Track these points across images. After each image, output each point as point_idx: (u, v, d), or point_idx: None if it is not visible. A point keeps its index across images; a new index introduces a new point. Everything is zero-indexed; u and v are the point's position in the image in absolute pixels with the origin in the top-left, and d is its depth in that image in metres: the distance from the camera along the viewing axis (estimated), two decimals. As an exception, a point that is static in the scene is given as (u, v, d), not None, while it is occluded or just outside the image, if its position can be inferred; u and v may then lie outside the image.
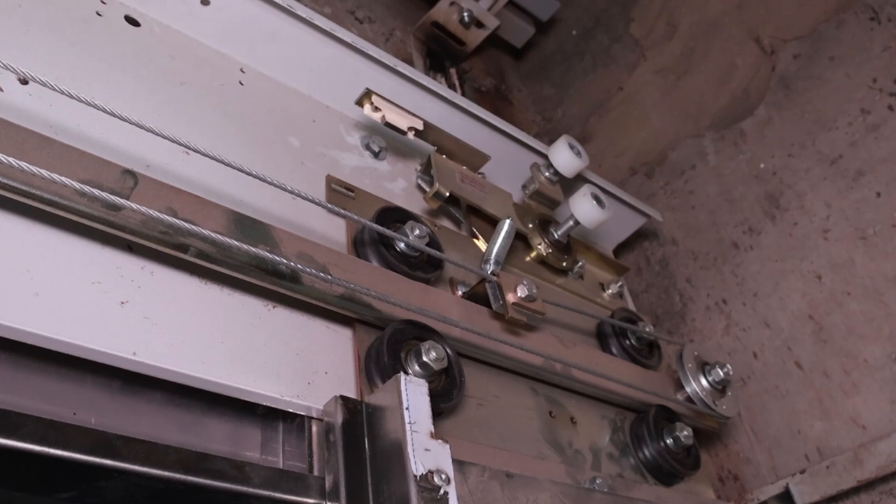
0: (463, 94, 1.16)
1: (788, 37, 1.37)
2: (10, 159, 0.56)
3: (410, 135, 1.02)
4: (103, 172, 0.64)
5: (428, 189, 1.03)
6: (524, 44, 1.84)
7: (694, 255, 1.39)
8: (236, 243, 0.67)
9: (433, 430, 0.64)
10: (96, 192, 0.60)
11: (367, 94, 0.98)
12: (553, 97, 1.86)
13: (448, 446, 0.64)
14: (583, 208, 1.09)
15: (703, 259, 1.38)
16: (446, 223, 1.08)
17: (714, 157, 1.42)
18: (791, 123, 1.31)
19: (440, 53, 1.59)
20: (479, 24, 1.57)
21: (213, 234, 0.66)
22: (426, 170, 1.07)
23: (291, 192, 0.72)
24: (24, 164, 0.56)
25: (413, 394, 0.65)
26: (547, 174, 1.18)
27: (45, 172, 0.57)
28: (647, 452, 1.01)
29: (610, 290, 1.25)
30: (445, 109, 1.12)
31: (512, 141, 1.18)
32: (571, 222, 1.12)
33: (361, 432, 0.66)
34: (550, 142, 1.17)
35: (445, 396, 0.77)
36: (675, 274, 1.42)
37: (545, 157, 1.18)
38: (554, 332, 1.05)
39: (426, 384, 0.67)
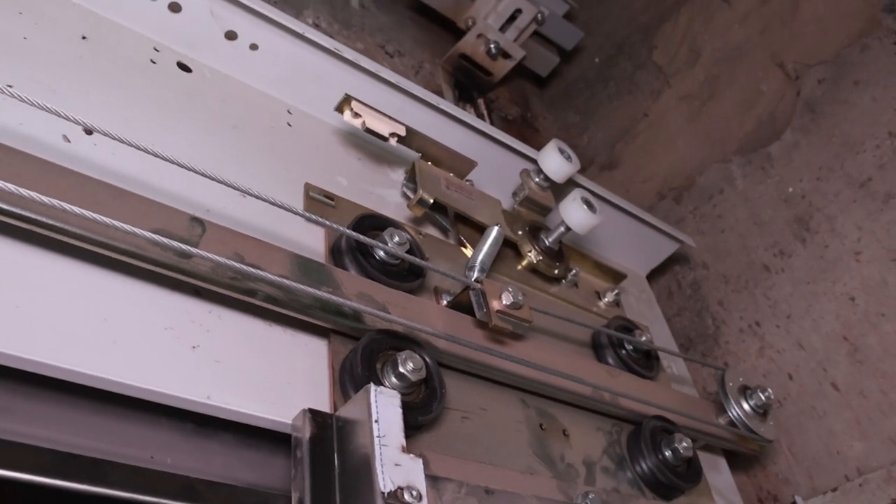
0: (491, 123, 1.19)
1: (812, 62, 1.39)
2: (88, 212, 0.58)
3: (393, 141, 0.99)
4: (173, 221, 0.67)
5: (412, 196, 1.00)
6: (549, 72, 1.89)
7: (725, 279, 1.41)
8: (302, 286, 0.70)
9: (405, 444, 0.61)
10: (168, 241, 0.62)
11: (347, 99, 0.96)
12: (578, 124, 1.89)
13: (421, 461, 0.60)
14: (573, 214, 1.06)
15: (734, 282, 1.39)
16: (434, 232, 1.05)
17: (742, 181, 1.44)
18: (818, 147, 1.33)
19: (468, 84, 1.63)
20: (506, 55, 1.59)
21: (279, 279, 0.68)
22: (411, 177, 1.04)
23: (267, 201, 0.70)
24: (100, 217, 0.58)
25: (383, 406, 0.62)
26: (537, 180, 1.15)
27: (119, 224, 0.59)
28: (644, 465, 0.97)
29: (606, 299, 1.21)
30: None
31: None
32: (562, 228, 1.09)
33: (331, 447, 0.63)
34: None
35: (424, 409, 0.74)
36: (707, 297, 1.43)
37: (535, 162, 1.15)
38: (546, 341, 1.01)
39: (398, 395, 0.63)
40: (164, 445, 0.64)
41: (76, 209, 0.57)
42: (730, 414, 1.07)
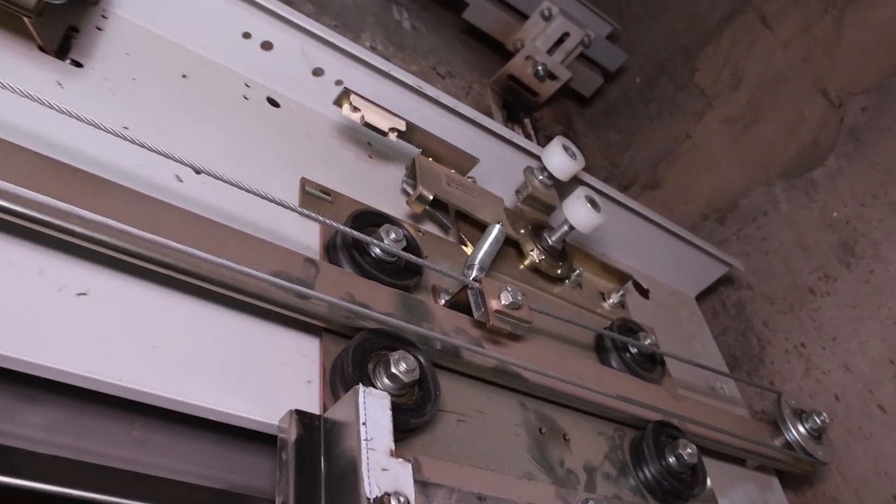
0: (538, 143, 1.25)
1: (855, 90, 1.40)
2: (214, 257, 0.62)
3: (392, 136, 0.97)
4: (290, 262, 0.71)
5: (411, 193, 0.98)
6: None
7: (770, 300, 1.43)
8: (408, 325, 0.74)
9: (394, 448, 0.58)
10: (289, 284, 0.67)
11: (346, 93, 0.94)
12: (619, 143, 1.90)
13: (410, 466, 0.58)
14: (577, 212, 1.03)
15: (779, 304, 1.41)
16: (435, 231, 1.03)
17: (786, 205, 1.46)
18: (862, 174, 1.34)
19: (515, 105, 1.67)
20: (552, 77, 1.63)
21: (386, 317, 0.73)
22: (410, 173, 1.02)
23: (263, 197, 0.68)
24: (225, 261, 0.62)
25: (372, 407, 0.59)
26: (541, 178, 1.12)
27: (244, 268, 0.63)
28: (647, 472, 0.94)
29: (611, 300, 1.18)
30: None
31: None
32: (566, 227, 1.06)
33: (318, 450, 0.61)
34: (620, 187, 1.16)
35: (417, 411, 0.71)
36: (752, 318, 1.45)
37: (539, 159, 1.12)
38: (547, 343, 0.99)
39: (388, 397, 0.61)
40: (140, 444, 0.61)
41: (209, 256, 0.61)
42: (787, 436, 1.10)
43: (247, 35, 0.95)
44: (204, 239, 0.65)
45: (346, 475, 0.57)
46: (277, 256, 0.70)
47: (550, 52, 1.62)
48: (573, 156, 1.08)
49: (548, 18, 1.61)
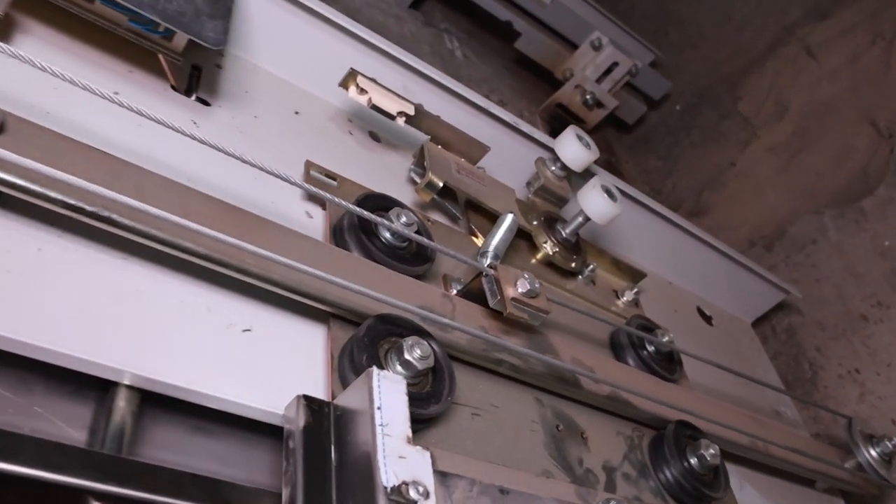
0: None
1: None
2: (378, 293, 0.65)
3: (401, 121, 0.93)
4: (431, 297, 0.74)
5: (419, 181, 0.94)
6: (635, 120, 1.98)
7: (822, 326, 1.45)
8: (542, 356, 0.77)
9: (411, 436, 0.53)
10: (435, 316, 0.70)
11: (352, 74, 0.90)
12: (660, 169, 1.92)
13: (429, 454, 0.53)
14: (592, 202, 0.98)
15: (831, 330, 1.42)
16: (443, 221, 0.99)
17: (835, 233, 1.48)
18: None
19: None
20: (600, 105, 1.67)
21: (523, 350, 0.76)
22: (419, 161, 0.98)
23: (268, 172, 0.63)
24: (383, 296, 0.65)
25: (387, 392, 0.55)
26: (553, 168, 1.08)
27: (401, 303, 0.67)
28: (668, 473, 0.89)
29: (625, 298, 1.14)
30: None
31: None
32: (580, 219, 1.02)
33: (328, 438, 0.56)
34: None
35: (431, 401, 0.66)
36: (804, 343, 1.47)
37: (551, 151, 1.08)
38: (561, 338, 0.94)
39: (403, 381, 0.56)
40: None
41: (373, 293, 0.64)
42: (859, 459, 1.11)
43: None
44: (354, 275, 0.66)
45: (360, 464, 0.52)
46: (421, 292, 0.74)
47: (599, 80, 1.67)
48: (587, 145, 1.04)
49: (597, 48, 1.67)
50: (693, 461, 0.89)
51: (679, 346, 1.03)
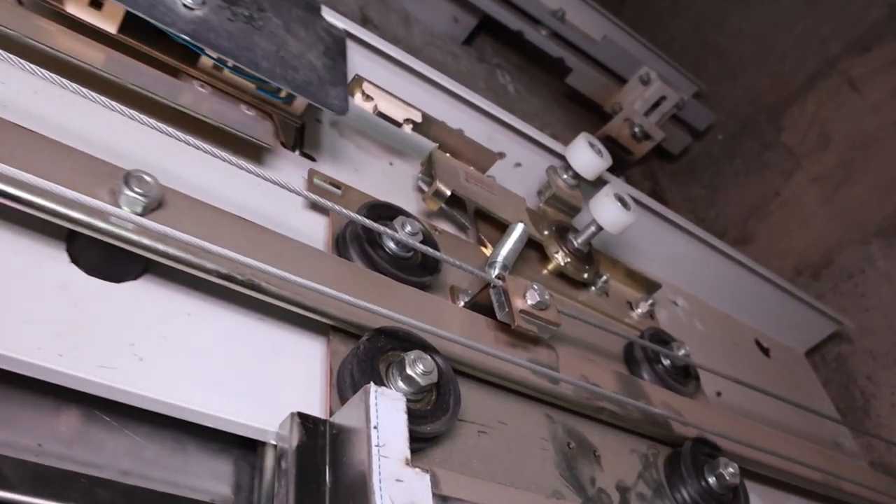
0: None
1: None
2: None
3: (407, 128, 0.91)
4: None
5: (427, 189, 0.91)
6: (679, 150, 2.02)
7: (872, 355, 1.45)
8: (638, 403, 0.81)
9: (409, 457, 0.51)
10: (544, 369, 0.74)
11: (358, 80, 0.87)
12: (703, 197, 1.95)
13: (428, 476, 0.50)
14: (605, 211, 0.95)
15: (882, 359, 1.44)
16: (451, 231, 0.96)
17: (883, 262, 1.49)
18: None
19: (611, 165, 1.75)
20: (647, 136, 1.70)
21: (618, 396, 0.80)
22: (427, 170, 0.95)
23: (269, 181, 0.61)
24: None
25: (384, 410, 0.52)
26: (565, 177, 1.06)
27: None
28: (685, 493, 0.85)
29: (639, 310, 1.10)
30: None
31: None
32: (593, 228, 0.99)
33: (322, 459, 0.53)
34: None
35: (435, 419, 0.64)
36: (854, 371, 1.47)
37: (563, 159, 1.06)
38: (573, 352, 0.91)
39: (402, 399, 0.54)
40: (127, 452, 0.54)
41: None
42: None
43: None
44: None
45: (355, 486, 0.49)
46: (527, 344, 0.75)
47: (647, 113, 1.71)
48: (599, 153, 1.01)
49: (646, 83, 1.71)
50: (711, 480, 0.86)
51: (742, 378, 1.01)
